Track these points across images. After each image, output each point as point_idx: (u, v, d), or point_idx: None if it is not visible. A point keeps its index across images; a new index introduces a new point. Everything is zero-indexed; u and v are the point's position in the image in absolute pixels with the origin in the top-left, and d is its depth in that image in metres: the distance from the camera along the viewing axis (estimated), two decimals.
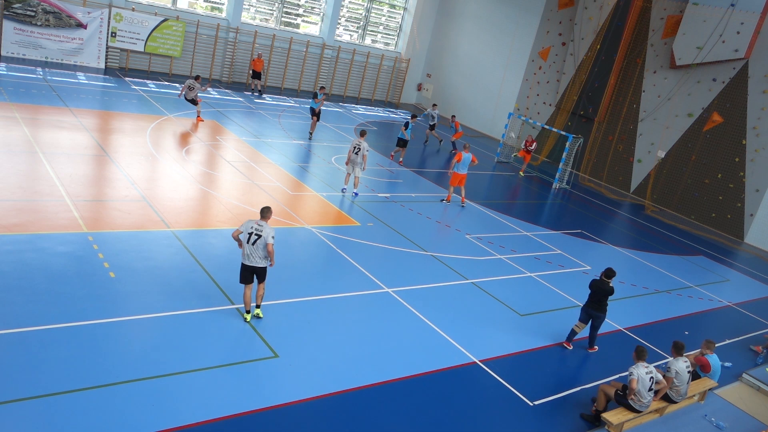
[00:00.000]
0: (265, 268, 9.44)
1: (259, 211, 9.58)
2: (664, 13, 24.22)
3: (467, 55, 32.35)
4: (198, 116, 20.63)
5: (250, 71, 27.93)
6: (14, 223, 10.91)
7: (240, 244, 9.41)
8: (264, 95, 27.82)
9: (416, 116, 21.28)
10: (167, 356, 8.24)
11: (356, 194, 16.66)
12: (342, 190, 16.78)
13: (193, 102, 20.55)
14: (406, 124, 21.10)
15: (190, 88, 20.38)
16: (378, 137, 24.81)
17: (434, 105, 26.30)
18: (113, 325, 8.66)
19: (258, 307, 9.68)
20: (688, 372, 9.30)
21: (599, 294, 10.82)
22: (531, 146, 24.07)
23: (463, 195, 18.01)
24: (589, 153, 26.37)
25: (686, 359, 9.33)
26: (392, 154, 21.71)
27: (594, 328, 11.12)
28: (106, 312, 8.90)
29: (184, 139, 18.56)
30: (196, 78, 20.74)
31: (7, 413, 6.68)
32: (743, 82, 21.89)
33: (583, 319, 11.07)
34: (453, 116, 26.31)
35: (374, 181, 18.50)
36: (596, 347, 11.32)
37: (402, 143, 21.09)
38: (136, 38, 25.69)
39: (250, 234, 9.25)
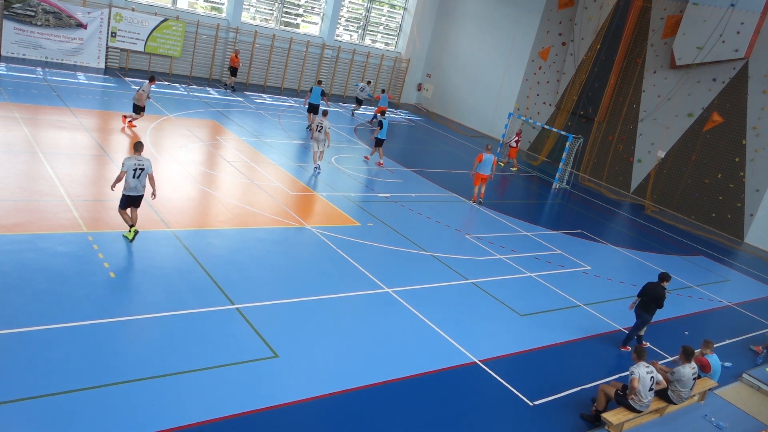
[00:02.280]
0: (143, 195, 11.15)
1: (135, 146, 11.08)
2: (664, 13, 24.23)
3: (467, 55, 32.35)
4: (131, 121, 18.20)
5: (230, 68, 26.89)
6: (14, 223, 10.91)
7: (117, 182, 10.87)
8: (236, 91, 27.10)
9: (384, 112, 21.31)
10: (167, 356, 8.24)
11: (318, 167, 17.93)
12: (314, 168, 17.92)
13: (138, 108, 18.06)
14: (380, 123, 20.23)
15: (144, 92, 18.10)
16: None
17: (319, 82, 25.09)
18: (113, 325, 8.66)
19: (134, 225, 11.17)
20: (693, 379, 9.27)
21: (653, 297, 11.13)
22: (511, 142, 24.74)
23: (482, 192, 18.64)
24: (589, 153, 26.37)
25: (694, 366, 9.30)
26: (367, 156, 20.68)
27: (636, 328, 11.41)
28: (106, 312, 8.90)
29: (184, 139, 18.55)
30: (151, 80, 18.51)
31: (7, 413, 6.68)
32: (743, 82, 21.89)
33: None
34: (383, 90, 28.38)
35: (374, 181, 18.50)
36: (629, 347, 11.51)
37: (379, 142, 20.25)
38: (136, 38, 25.69)
39: (135, 169, 10.84)
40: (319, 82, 23.94)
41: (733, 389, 11.02)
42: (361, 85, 28.79)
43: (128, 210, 11.10)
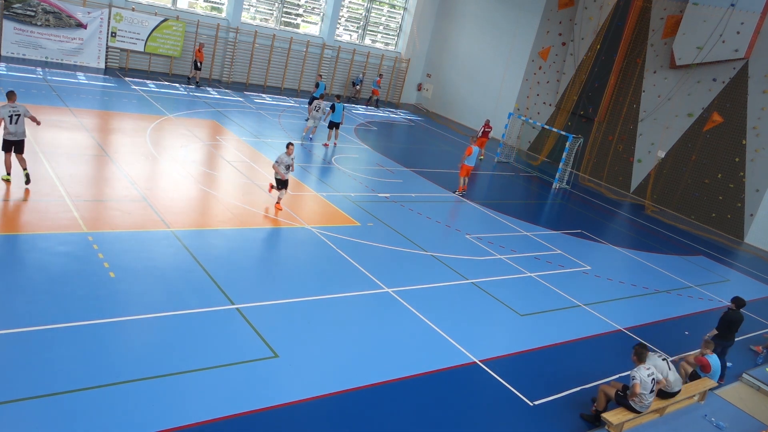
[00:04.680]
0: (24, 139, 12.20)
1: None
2: (664, 13, 24.23)
3: (467, 55, 32.35)
4: (277, 202, 14.58)
5: (194, 61, 26.22)
6: (14, 223, 10.90)
7: None
8: (202, 87, 26.51)
9: (340, 96, 22.67)
10: (167, 356, 8.24)
11: (311, 138, 21.65)
12: (324, 144, 21.44)
13: (280, 183, 14.39)
14: (332, 106, 21.36)
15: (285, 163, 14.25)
16: (378, 137, 24.81)
17: (320, 76, 26.82)
18: (113, 325, 8.66)
19: (25, 169, 12.16)
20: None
21: (736, 324, 10.96)
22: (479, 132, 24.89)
23: (463, 184, 19.35)
24: (589, 153, 26.37)
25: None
26: (329, 143, 21.72)
27: (722, 355, 10.99)
28: (106, 312, 8.89)
29: (184, 139, 18.55)
30: (288, 147, 14.40)
31: (7, 413, 6.68)
32: (743, 82, 21.89)
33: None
34: (381, 75, 32.08)
35: (374, 181, 18.50)
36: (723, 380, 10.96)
37: (332, 125, 21.53)
38: (136, 38, 25.70)
39: (11, 116, 11.90)
40: (320, 76, 26.33)
41: (733, 389, 11.01)
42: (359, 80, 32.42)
43: (10, 155, 12.14)
